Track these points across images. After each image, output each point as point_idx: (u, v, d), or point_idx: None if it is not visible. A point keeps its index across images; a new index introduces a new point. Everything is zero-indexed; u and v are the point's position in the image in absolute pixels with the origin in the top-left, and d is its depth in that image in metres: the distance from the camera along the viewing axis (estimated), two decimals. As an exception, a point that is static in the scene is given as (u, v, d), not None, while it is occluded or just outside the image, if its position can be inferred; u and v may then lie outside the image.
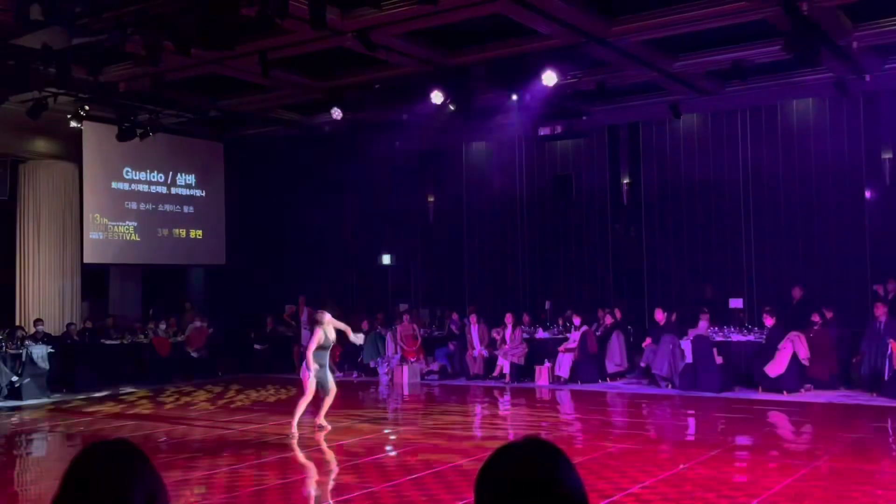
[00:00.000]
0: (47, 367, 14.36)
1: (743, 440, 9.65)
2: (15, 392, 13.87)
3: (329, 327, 10.17)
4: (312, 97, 14.95)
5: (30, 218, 16.67)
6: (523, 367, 15.00)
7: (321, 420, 10.24)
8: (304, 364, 10.15)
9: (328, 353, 10.34)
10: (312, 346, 9.99)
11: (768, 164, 15.46)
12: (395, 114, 15.34)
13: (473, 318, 15.79)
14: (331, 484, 8.08)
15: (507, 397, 13.69)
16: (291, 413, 10.10)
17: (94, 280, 17.76)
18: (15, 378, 14.01)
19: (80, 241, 16.71)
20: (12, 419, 12.16)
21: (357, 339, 11.27)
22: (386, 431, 10.73)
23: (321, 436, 9.92)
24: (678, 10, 10.93)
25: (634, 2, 11.00)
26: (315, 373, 9.95)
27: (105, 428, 11.03)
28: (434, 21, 11.06)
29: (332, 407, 10.36)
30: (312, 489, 7.91)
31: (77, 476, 1.78)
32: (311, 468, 8.75)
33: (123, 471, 1.78)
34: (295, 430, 9.87)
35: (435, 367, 16.07)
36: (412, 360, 15.94)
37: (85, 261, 16.80)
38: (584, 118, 15.86)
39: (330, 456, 9.17)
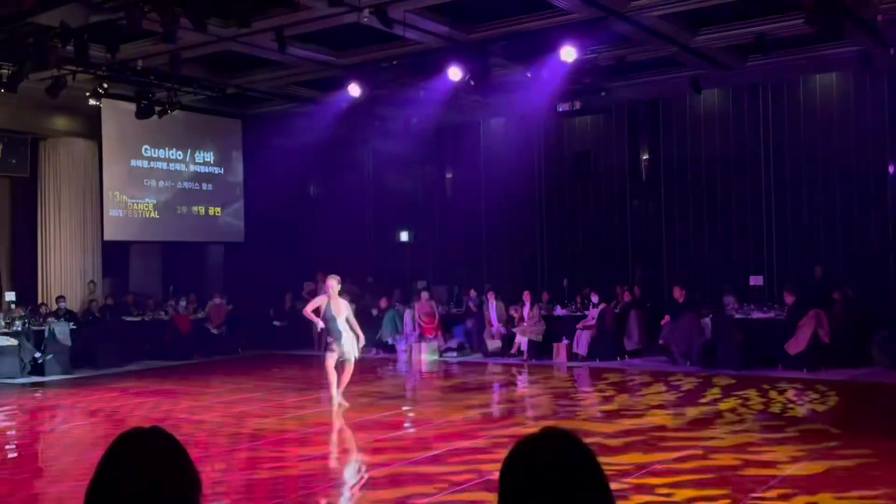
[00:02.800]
0: (69, 343, 14.51)
1: (762, 418, 9.60)
2: (38, 368, 14.04)
3: (335, 300, 9.92)
4: (330, 74, 14.90)
5: (50, 195, 16.77)
6: (541, 344, 14.99)
7: (339, 397, 10.15)
8: (323, 346, 10.09)
9: (340, 322, 9.95)
10: (307, 310, 10.01)
11: (790, 140, 15.27)
12: (412, 90, 15.26)
13: (491, 295, 15.79)
14: (351, 461, 8.12)
15: (524, 374, 13.70)
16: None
17: (115, 257, 17.88)
18: (38, 354, 14.18)
19: (100, 219, 16.82)
20: (36, 395, 12.31)
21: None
22: (405, 408, 10.76)
23: (339, 412, 9.90)
24: (700, -17, 10.77)
25: (655, -25, 10.85)
26: (332, 346, 9.84)
27: (126, 404, 11.14)
28: (452, -4, 10.96)
29: (350, 383, 10.34)
30: (335, 462, 7.96)
31: (113, 464, 1.78)
32: (322, 446, 8.79)
33: (159, 459, 1.78)
34: (336, 405, 9.91)
35: (453, 344, 16.10)
36: (430, 337, 15.97)
37: (105, 238, 16.91)
38: (604, 94, 15.71)
39: (348, 433, 9.20)
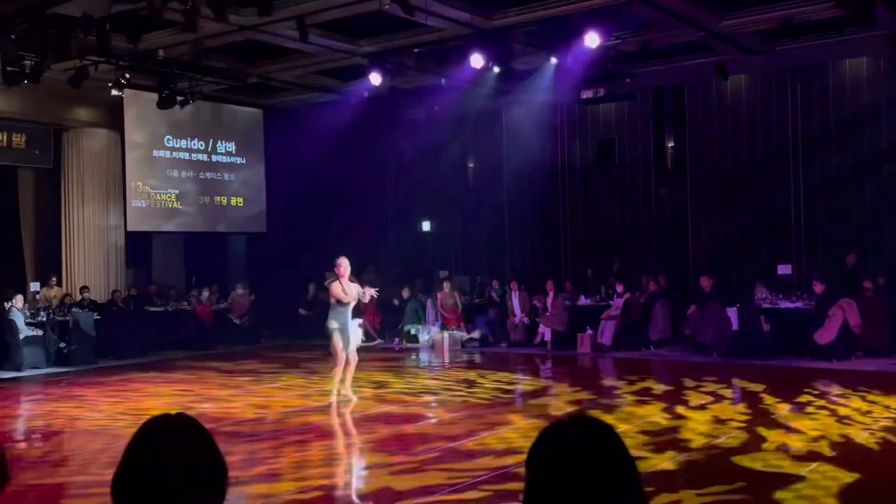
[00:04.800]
0: (94, 333, 14.69)
1: (790, 409, 9.53)
2: (63, 358, 14.21)
3: (346, 281, 9.67)
4: (351, 63, 14.91)
5: (73, 186, 16.95)
6: (565, 334, 14.96)
7: (347, 391, 9.94)
8: (328, 330, 9.71)
9: (347, 310, 9.72)
10: (333, 299, 9.58)
11: (820, 125, 15.09)
12: (434, 78, 15.24)
13: (514, 285, 15.77)
14: (373, 449, 8.15)
15: (548, 365, 13.68)
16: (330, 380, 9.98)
17: (138, 248, 18.05)
18: (62, 344, 14.36)
19: (123, 209, 16.97)
20: (61, 384, 12.46)
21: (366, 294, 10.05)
22: (427, 398, 10.79)
23: (349, 408, 9.65)
24: (726, -34, 10.66)
25: (681, -41, 10.74)
26: (334, 333, 9.55)
27: (150, 393, 11.26)
28: (474, -18, 10.92)
29: (372, 370, 10.35)
30: (347, 453, 8.00)
31: (139, 449, 1.80)
32: (344, 435, 8.82)
33: (185, 445, 1.80)
34: (334, 399, 9.76)
35: (476, 334, 16.10)
36: (453, 327, 15.99)
37: (128, 228, 17.07)
38: (628, 80, 15.59)
39: (370, 422, 9.23)
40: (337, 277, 9.74)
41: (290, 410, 9.67)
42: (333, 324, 9.59)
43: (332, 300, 9.68)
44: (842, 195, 14.92)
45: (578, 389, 11.02)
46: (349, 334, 9.69)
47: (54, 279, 16.59)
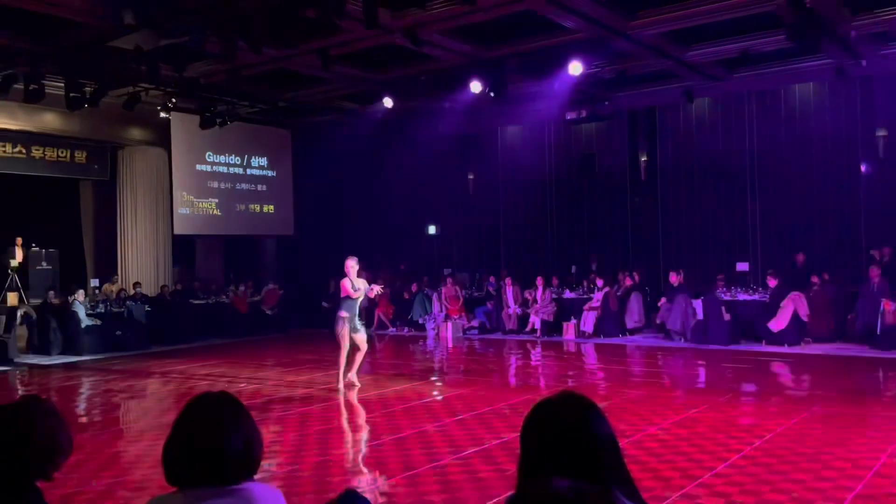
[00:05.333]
0: (145, 322, 14.71)
1: (748, 387, 9.52)
2: (118, 344, 14.23)
3: (354, 275, 9.30)
4: (367, 88, 14.91)
5: (127, 196, 16.97)
6: (552, 323, 14.94)
7: (352, 376, 9.55)
8: (337, 318, 9.35)
9: (356, 303, 9.33)
10: (344, 294, 9.15)
11: (772, 142, 15.05)
12: (439, 101, 15.23)
13: (508, 280, 15.74)
14: (385, 424, 8.14)
15: (538, 349, 13.67)
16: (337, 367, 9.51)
17: (183, 249, 18.06)
18: (118, 332, 14.38)
19: (170, 216, 16.98)
20: (116, 367, 12.47)
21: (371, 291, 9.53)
22: (433, 378, 10.79)
23: (353, 393, 9.28)
24: (691, 4, 10.64)
25: (652, -2, 10.73)
26: (342, 322, 9.18)
27: (195, 374, 11.27)
28: (473, 18, 10.92)
29: (386, 356, 10.34)
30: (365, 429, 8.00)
31: (186, 422, 1.81)
32: (362, 411, 8.82)
33: (225, 418, 1.81)
34: (341, 384, 9.38)
35: (475, 323, 16.08)
36: (455, 317, 15.97)
37: (175, 232, 17.08)
38: (607, 103, 15.57)
39: (383, 400, 9.23)
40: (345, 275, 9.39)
41: (309, 391, 9.65)
42: (343, 313, 9.30)
43: (343, 294, 9.30)
44: (792, 202, 14.88)
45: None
46: (356, 323, 9.36)
47: (116, 277, 16.64)
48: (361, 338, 9.40)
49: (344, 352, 9.33)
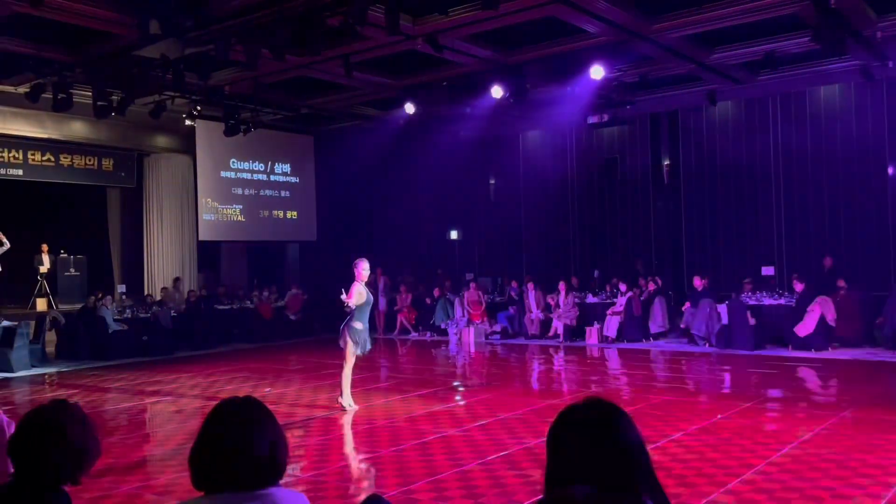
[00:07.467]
0: (170, 328, 14.82)
1: (775, 393, 9.38)
2: (144, 349, 14.35)
3: (365, 278, 8.39)
4: (389, 94, 14.95)
5: (153, 202, 17.15)
6: (575, 328, 14.86)
7: (341, 399, 8.51)
8: (343, 329, 8.41)
9: (366, 312, 8.47)
10: (352, 301, 8.14)
11: (797, 145, 14.87)
12: (460, 107, 15.24)
13: (531, 285, 15.68)
14: (409, 429, 8.12)
15: (561, 354, 13.59)
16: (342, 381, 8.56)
17: (208, 255, 18.21)
18: (144, 337, 14.50)
19: (195, 222, 17.13)
20: (142, 371, 12.58)
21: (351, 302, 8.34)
22: (455, 384, 10.76)
23: (347, 415, 8.33)
24: (715, 6, 10.55)
25: (674, 0, 10.64)
26: (355, 334, 8.28)
27: (220, 379, 11.33)
28: (494, 24, 10.91)
29: (409, 361, 10.29)
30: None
31: (213, 426, 1.81)
32: (385, 417, 8.80)
33: (251, 423, 1.81)
34: (343, 401, 8.46)
35: (497, 328, 16.03)
36: (477, 322, 15.93)
37: (200, 238, 17.23)
38: (629, 107, 15.48)
39: (405, 405, 9.21)
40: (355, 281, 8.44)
41: (335, 394, 9.64)
42: (358, 325, 8.36)
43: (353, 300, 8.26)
44: (818, 205, 14.69)
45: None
46: (366, 334, 8.53)
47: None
48: (358, 353, 8.49)
49: (349, 367, 8.48)
